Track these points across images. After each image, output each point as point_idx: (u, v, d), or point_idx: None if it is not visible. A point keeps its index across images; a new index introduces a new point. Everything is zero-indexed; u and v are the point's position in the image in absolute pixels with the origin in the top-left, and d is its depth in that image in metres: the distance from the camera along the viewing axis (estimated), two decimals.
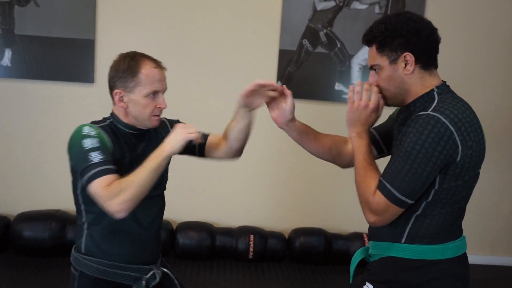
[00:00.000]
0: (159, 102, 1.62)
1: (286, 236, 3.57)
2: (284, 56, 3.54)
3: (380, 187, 1.38)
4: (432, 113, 1.34)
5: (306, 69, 3.57)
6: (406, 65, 1.43)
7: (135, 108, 1.60)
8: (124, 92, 1.59)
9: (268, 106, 1.67)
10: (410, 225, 1.42)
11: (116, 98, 1.61)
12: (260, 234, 3.47)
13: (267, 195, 3.69)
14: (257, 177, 3.67)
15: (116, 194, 1.45)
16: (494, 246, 3.83)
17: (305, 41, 3.54)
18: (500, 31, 3.63)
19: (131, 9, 3.48)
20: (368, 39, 1.49)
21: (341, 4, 3.51)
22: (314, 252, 3.46)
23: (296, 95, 3.59)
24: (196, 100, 3.57)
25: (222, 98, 3.57)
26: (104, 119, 1.66)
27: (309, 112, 3.72)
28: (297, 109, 3.97)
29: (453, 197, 1.38)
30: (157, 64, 1.63)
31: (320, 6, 3.52)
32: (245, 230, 3.48)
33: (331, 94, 3.60)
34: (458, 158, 1.33)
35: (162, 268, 1.70)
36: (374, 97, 1.49)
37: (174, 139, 1.51)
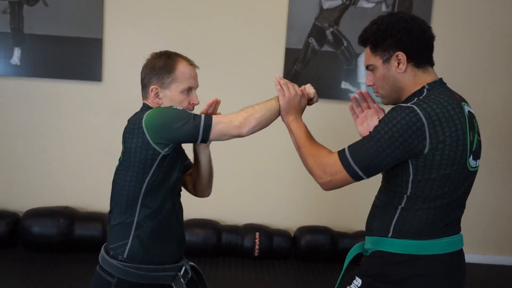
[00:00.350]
0: (193, 98, 1.70)
1: (292, 234, 3.59)
2: (291, 55, 3.55)
3: (340, 152, 1.44)
4: (409, 104, 1.39)
5: (312, 68, 3.58)
6: (398, 64, 1.46)
7: (170, 103, 1.65)
8: (160, 88, 1.65)
9: (355, 120, 1.73)
10: (395, 219, 1.45)
11: (152, 94, 1.65)
12: (266, 232, 3.49)
13: (273, 193, 3.71)
14: (263, 175, 3.69)
15: (244, 115, 1.58)
16: (501, 246, 3.82)
17: (311, 40, 3.54)
18: (508, 30, 3.61)
19: (138, 8, 3.51)
20: (363, 40, 1.53)
21: (347, 2, 3.51)
22: (320, 250, 3.47)
23: None
24: (201, 98, 3.58)
25: (228, 96, 3.58)
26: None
27: (315, 110, 3.72)
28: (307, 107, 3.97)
29: (432, 191, 1.40)
30: (191, 62, 1.72)
31: (327, 4, 3.52)
32: (251, 228, 3.51)
33: (337, 93, 3.60)
34: (426, 150, 1.36)
35: (190, 263, 1.74)
36: (297, 87, 1.65)
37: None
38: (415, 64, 1.47)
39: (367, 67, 1.54)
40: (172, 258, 1.65)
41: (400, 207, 1.44)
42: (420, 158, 1.37)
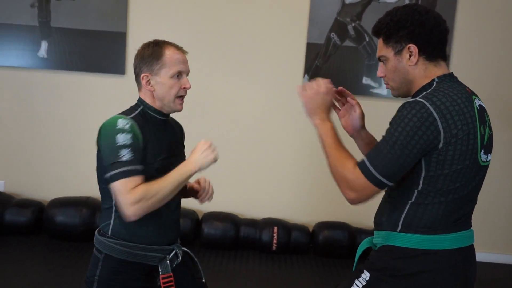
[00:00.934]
0: (184, 82, 1.70)
1: (310, 229, 3.59)
2: (312, 50, 3.54)
3: (361, 165, 1.40)
4: (418, 99, 1.37)
5: (333, 63, 3.56)
6: (410, 56, 1.45)
7: (162, 89, 1.67)
8: (151, 75, 1.67)
9: (338, 113, 1.72)
10: (404, 213, 1.44)
11: (144, 82, 1.68)
12: (284, 226, 3.50)
13: (292, 187, 3.72)
14: (282, 170, 3.70)
15: (138, 200, 1.52)
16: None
17: (333, 35, 3.53)
18: None
19: (162, 2, 3.55)
20: (376, 31, 1.52)
21: None
22: (338, 246, 3.46)
23: None
24: (222, 93, 3.62)
25: (248, 91, 3.61)
26: (135, 107, 1.72)
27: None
28: None
29: (443, 186, 1.39)
30: (179, 48, 1.72)
31: None
32: (269, 222, 3.52)
33: (358, 88, 3.58)
34: (440, 145, 1.34)
35: (183, 248, 1.76)
36: (320, 81, 1.58)
37: (203, 160, 1.60)
38: (427, 57, 1.45)
39: (379, 58, 1.53)
40: (160, 240, 1.68)
41: (410, 201, 1.43)
42: (434, 153, 1.36)
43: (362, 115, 1.69)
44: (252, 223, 3.53)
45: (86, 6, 3.53)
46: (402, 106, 1.39)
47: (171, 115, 1.79)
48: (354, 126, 1.70)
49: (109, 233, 1.66)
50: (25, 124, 3.66)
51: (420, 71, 1.46)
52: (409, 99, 1.43)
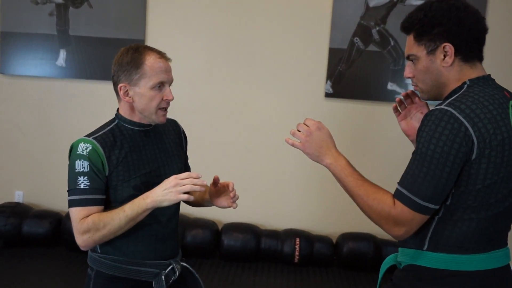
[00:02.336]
0: (166, 94, 1.56)
1: (334, 240, 3.46)
2: (335, 55, 3.43)
3: (399, 196, 1.26)
4: (445, 107, 1.23)
5: (357, 68, 3.44)
6: (445, 56, 1.31)
7: (141, 101, 1.55)
8: (129, 85, 1.54)
9: (397, 116, 1.57)
10: (431, 230, 1.30)
11: (121, 92, 1.56)
12: (307, 238, 3.38)
13: (315, 197, 3.60)
14: (305, 179, 3.58)
15: (87, 231, 1.46)
16: None
17: (356, 39, 3.41)
18: None
19: (180, 10, 3.49)
20: (406, 27, 1.38)
21: (395, 0, 3.35)
22: (363, 259, 3.32)
23: (346, 95, 3.56)
24: (244, 100, 3.54)
25: (270, 98, 3.51)
26: (110, 122, 1.63)
27: (360, 112, 3.60)
28: (348, 109, 3.85)
29: (475, 202, 1.25)
30: (162, 55, 1.57)
31: (373, 2, 3.38)
32: (291, 233, 3.41)
33: (383, 94, 3.45)
34: (474, 156, 1.21)
35: (182, 263, 1.65)
36: (303, 124, 1.44)
37: (162, 198, 1.43)
38: (463, 58, 1.31)
39: (407, 57, 1.39)
40: (153, 255, 1.58)
41: (437, 217, 1.29)
42: (465, 167, 1.23)
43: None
44: (274, 234, 3.42)
45: (105, 14, 3.49)
46: (426, 118, 1.25)
47: (168, 115, 1.65)
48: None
49: (99, 250, 1.58)
50: (44, 134, 3.63)
51: (454, 73, 1.32)
52: (433, 104, 1.30)
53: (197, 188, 1.42)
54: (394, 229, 1.27)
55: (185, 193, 1.43)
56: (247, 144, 3.55)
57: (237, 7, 3.46)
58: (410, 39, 1.37)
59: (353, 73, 3.44)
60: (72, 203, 1.49)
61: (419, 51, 1.34)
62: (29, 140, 3.64)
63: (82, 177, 1.50)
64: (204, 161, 3.46)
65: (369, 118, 3.49)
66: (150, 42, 3.50)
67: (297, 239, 3.35)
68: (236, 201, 1.68)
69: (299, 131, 1.45)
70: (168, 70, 1.57)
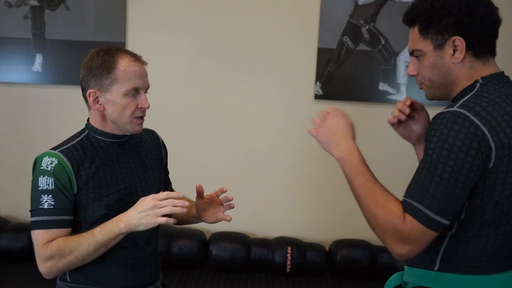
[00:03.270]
0: (141, 101, 1.40)
1: (327, 248, 3.33)
2: (323, 55, 3.31)
3: (410, 209, 1.11)
4: (458, 109, 1.10)
5: (347, 69, 3.32)
6: (454, 51, 1.19)
7: (113, 109, 1.40)
8: (99, 91, 1.40)
9: (393, 124, 1.42)
10: (443, 247, 1.17)
11: (90, 99, 1.42)
12: (299, 246, 3.24)
13: (306, 204, 3.47)
14: (295, 185, 3.45)
15: (50, 257, 1.30)
16: None
17: (346, 39, 3.29)
18: None
19: (162, 10, 3.35)
20: (410, 18, 1.24)
21: None
22: (357, 266, 3.20)
23: (337, 97, 3.42)
24: (230, 103, 3.40)
25: (257, 101, 3.38)
26: (80, 132, 1.49)
27: (351, 114, 3.44)
28: None
29: (493, 216, 1.12)
30: (137, 58, 1.43)
31: (362, 0, 3.26)
32: (283, 242, 3.27)
33: (375, 95, 3.33)
34: (491, 164, 1.08)
35: None
36: (331, 107, 1.31)
37: (138, 221, 1.26)
38: (475, 53, 1.18)
39: (411, 53, 1.26)
40: (129, 283, 1.43)
41: (449, 233, 1.16)
42: (481, 176, 1.10)
43: (427, 114, 1.39)
44: (264, 243, 3.28)
45: (82, 16, 3.33)
46: (436, 121, 1.11)
47: (144, 125, 1.49)
48: (419, 132, 1.38)
49: (68, 279, 1.43)
50: (20, 143, 3.46)
51: (465, 70, 1.19)
52: (441, 106, 1.17)
53: (177, 210, 1.26)
54: (399, 246, 1.12)
55: (164, 215, 1.27)
56: (234, 149, 3.41)
57: (222, 7, 3.33)
58: (414, 32, 1.23)
59: (343, 74, 3.32)
60: (34, 225, 1.33)
61: (425, 45, 1.21)
62: (5, 149, 3.47)
63: (46, 195, 1.33)
64: (190, 169, 3.31)
65: (361, 119, 3.35)
66: (130, 44, 3.35)
67: (289, 248, 3.22)
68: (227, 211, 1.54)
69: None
70: (143, 75, 1.41)
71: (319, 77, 3.32)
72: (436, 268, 1.17)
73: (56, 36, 3.34)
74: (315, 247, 3.28)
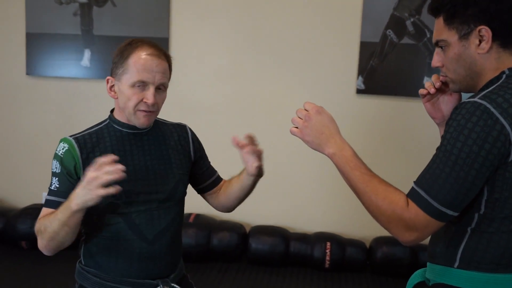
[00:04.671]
0: (146, 96, 1.39)
1: (367, 245, 3.29)
2: (366, 49, 3.25)
3: (415, 197, 1.09)
4: (479, 100, 1.06)
5: (390, 63, 3.25)
6: (480, 42, 1.14)
7: (121, 99, 1.43)
8: (115, 80, 1.44)
9: (423, 97, 1.38)
10: (464, 243, 1.13)
11: (108, 86, 1.47)
12: (338, 242, 3.21)
13: (347, 199, 3.42)
14: (336, 180, 3.40)
15: (38, 231, 1.38)
16: None
17: (389, 32, 3.22)
18: None
19: (204, 6, 3.39)
20: (435, 7, 1.20)
21: None
22: (398, 264, 3.13)
23: (379, 91, 3.37)
24: (270, 98, 3.40)
25: (298, 94, 3.37)
26: (102, 122, 1.53)
27: (395, 109, 3.40)
28: (381, 106, 3.66)
29: None
30: (153, 51, 1.41)
31: None
32: (322, 237, 3.25)
33: (418, 89, 3.24)
34: (511, 158, 1.04)
35: (173, 284, 1.50)
36: (302, 109, 1.28)
37: (84, 197, 1.25)
38: (502, 43, 1.13)
39: (436, 43, 1.22)
40: (135, 274, 1.44)
41: (469, 228, 1.12)
42: (500, 170, 1.06)
43: (460, 97, 1.34)
44: (303, 238, 3.27)
45: (128, 12, 3.43)
46: (456, 111, 1.08)
47: (172, 118, 1.52)
48: (446, 114, 1.34)
49: (83, 262, 1.50)
50: (68, 134, 3.59)
51: (491, 61, 1.14)
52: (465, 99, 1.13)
53: (114, 176, 1.21)
54: (405, 234, 1.11)
55: (108, 186, 1.23)
56: (273, 143, 3.41)
57: (263, 1, 3.33)
58: (439, 22, 1.19)
59: (386, 68, 3.26)
60: (44, 202, 1.43)
61: (450, 36, 1.17)
62: (54, 141, 3.61)
63: (54, 178, 1.42)
64: (230, 162, 3.34)
65: (404, 115, 3.29)
66: (174, 40, 3.41)
67: (328, 243, 3.19)
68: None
69: (300, 118, 1.29)
70: (155, 70, 1.39)
71: (361, 71, 3.27)
72: (456, 265, 1.13)
73: (103, 32, 3.45)
74: (355, 244, 3.24)
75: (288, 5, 3.31)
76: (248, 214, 3.37)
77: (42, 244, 1.38)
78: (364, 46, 3.25)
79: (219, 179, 1.72)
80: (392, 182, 1.19)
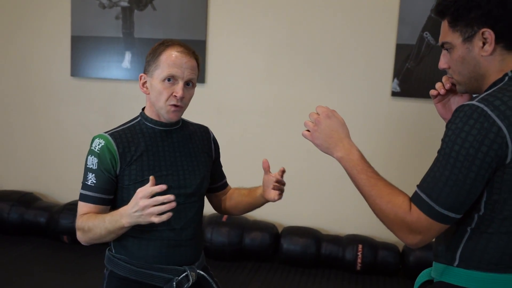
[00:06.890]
0: (176, 90, 1.48)
1: (400, 248, 3.26)
2: (402, 51, 3.23)
3: (417, 201, 1.11)
4: (476, 103, 1.07)
5: (427, 65, 3.22)
6: (484, 44, 1.14)
7: (153, 94, 1.52)
8: (147, 76, 1.54)
9: (434, 98, 1.41)
10: (463, 243, 1.14)
11: (140, 83, 1.56)
12: (370, 244, 3.21)
13: None
14: None
15: (79, 228, 1.47)
16: None
17: (426, 34, 3.19)
18: None
19: (240, 10, 3.45)
20: (440, 10, 1.22)
21: None
22: None
23: (415, 94, 3.34)
24: (306, 98, 3.43)
25: (333, 96, 3.38)
26: (133, 119, 1.61)
27: (431, 112, 3.35)
28: (417, 109, 3.61)
29: None
30: (183, 50, 1.51)
31: None
32: (354, 239, 3.25)
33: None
34: (508, 160, 1.04)
35: (199, 271, 1.58)
36: (314, 113, 1.31)
37: (137, 218, 1.35)
38: (506, 45, 1.14)
39: (442, 45, 1.23)
40: (165, 261, 1.52)
41: (469, 228, 1.13)
42: (498, 172, 1.06)
43: (471, 98, 1.35)
44: (335, 240, 3.28)
45: (168, 16, 3.53)
46: (455, 114, 1.09)
47: (208, 120, 1.63)
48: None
49: (113, 250, 1.58)
50: None
51: (495, 63, 1.15)
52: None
53: (166, 207, 1.31)
54: (408, 236, 1.13)
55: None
56: (307, 144, 3.43)
57: (299, 3, 3.36)
58: (444, 24, 1.21)
59: (423, 70, 3.22)
60: (80, 197, 1.51)
61: (454, 38, 1.18)
62: None
63: (90, 173, 1.50)
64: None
65: (440, 118, 3.24)
66: (210, 42, 3.49)
67: (360, 246, 3.19)
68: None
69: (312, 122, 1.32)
70: (184, 66, 1.49)
71: (397, 73, 3.25)
72: (455, 264, 1.14)
73: (143, 35, 3.57)
74: (388, 247, 3.23)
75: (324, 7, 3.33)
76: (281, 215, 3.41)
77: (83, 239, 1.50)
78: (400, 48, 3.23)
79: (226, 184, 1.83)
80: None
